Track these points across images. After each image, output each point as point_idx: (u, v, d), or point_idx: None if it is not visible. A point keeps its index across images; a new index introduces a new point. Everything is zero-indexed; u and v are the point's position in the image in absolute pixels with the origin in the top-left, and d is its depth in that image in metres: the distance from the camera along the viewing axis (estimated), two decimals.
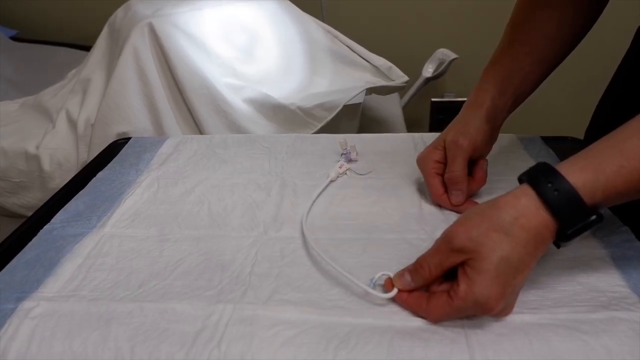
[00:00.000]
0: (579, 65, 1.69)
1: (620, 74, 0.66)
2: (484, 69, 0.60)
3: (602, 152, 0.41)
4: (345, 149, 0.68)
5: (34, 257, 0.52)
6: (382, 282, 0.45)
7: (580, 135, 0.73)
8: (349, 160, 0.68)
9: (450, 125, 0.59)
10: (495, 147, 0.70)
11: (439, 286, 0.43)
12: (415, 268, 0.44)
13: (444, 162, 0.58)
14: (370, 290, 0.44)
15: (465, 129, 0.57)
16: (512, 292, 0.40)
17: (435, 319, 0.42)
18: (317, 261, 0.50)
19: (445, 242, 0.42)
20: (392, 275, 0.45)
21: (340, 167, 0.66)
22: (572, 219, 0.39)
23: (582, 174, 0.40)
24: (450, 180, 0.57)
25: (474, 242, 0.40)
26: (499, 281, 0.39)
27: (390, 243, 0.52)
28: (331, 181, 0.64)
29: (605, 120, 0.67)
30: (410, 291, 0.44)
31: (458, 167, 0.56)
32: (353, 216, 0.57)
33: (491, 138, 0.59)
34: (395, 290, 0.44)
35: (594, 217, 0.40)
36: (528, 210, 0.40)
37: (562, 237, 0.40)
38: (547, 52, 0.59)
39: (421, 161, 0.60)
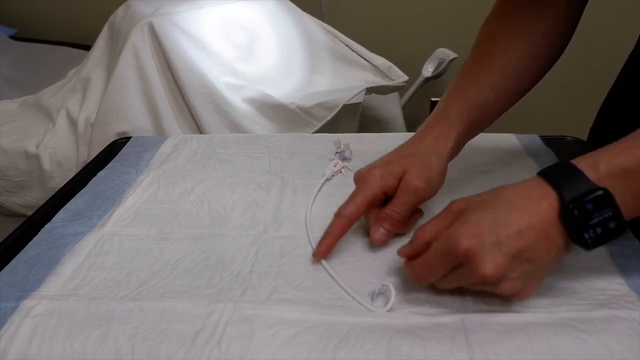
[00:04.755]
0: (579, 65, 1.70)
1: (625, 74, 0.66)
2: (451, 88, 0.56)
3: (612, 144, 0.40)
4: (339, 147, 0.68)
5: (35, 256, 0.52)
6: (382, 292, 0.45)
7: (580, 134, 0.73)
8: (344, 159, 0.68)
9: (410, 149, 0.53)
10: (494, 146, 0.71)
11: None
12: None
13: (387, 193, 0.51)
14: (369, 307, 0.44)
15: (432, 176, 0.51)
16: (495, 243, 0.38)
17: (418, 272, 0.43)
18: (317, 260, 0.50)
19: (448, 245, 0.40)
20: (391, 286, 0.44)
21: (335, 166, 0.66)
22: (571, 186, 0.39)
23: (585, 157, 0.40)
24: (388, 217, 0.50)
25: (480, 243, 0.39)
26: (478, 225, 0.40)
27: (389, 242, 0.52)
28: (327, 180, 0.64)
29: (611, 119, 0.67)
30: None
31: (404, 212, 0.50)
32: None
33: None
34: (392, 302, 0.43)
35: (600, 192, 0.38)
36: (531, 186, 0.41)
37: (566, 213, 0.39)
38: (512, 86, 0.55)
39: (367, 177, 0.51)
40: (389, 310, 0.43)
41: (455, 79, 0.56)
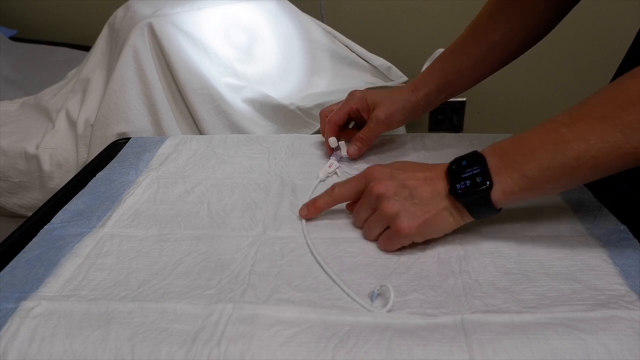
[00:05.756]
0: (579, 66, 1.70)
1: (621, 75, 0.66)
2: (442, 54, 0.68)
3: None
4: (336, 146, 0.68)
5: (34, 256, 0.52)
6: (382, 292, 0.45)
7: None
8: (340, 159, 0.68)
9: (388, 94, 0.68)
10: None
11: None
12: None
13: (359, 111, 0.69)
14: (369, 308, 0.44)
15: (392, 113, 0.67)
16: (391, 174, 0.51)
17: (356, 212, 0.54)
18: (317, 260, 0.50)
19: (363, 173, 0.54)
20: (390, 287, 0.44)
21: (329, 167, 0.66)
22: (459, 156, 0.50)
23: None
24: (359, 138, 0.69)
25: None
26: (387, 165, 0.53)
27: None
28: (320, 181, 0.64)
29: None
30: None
31: (371, 136, 0.69)
32: (352, 215, 0.57)
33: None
34: (391, 302, 0.43)
35: (473, 153, 0.48)
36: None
37: (448, 169, 0.49)
38: (488, 57, 0.66)
39: (352, 94, 0.70)
40: (388, 311, 0.43)
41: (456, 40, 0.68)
